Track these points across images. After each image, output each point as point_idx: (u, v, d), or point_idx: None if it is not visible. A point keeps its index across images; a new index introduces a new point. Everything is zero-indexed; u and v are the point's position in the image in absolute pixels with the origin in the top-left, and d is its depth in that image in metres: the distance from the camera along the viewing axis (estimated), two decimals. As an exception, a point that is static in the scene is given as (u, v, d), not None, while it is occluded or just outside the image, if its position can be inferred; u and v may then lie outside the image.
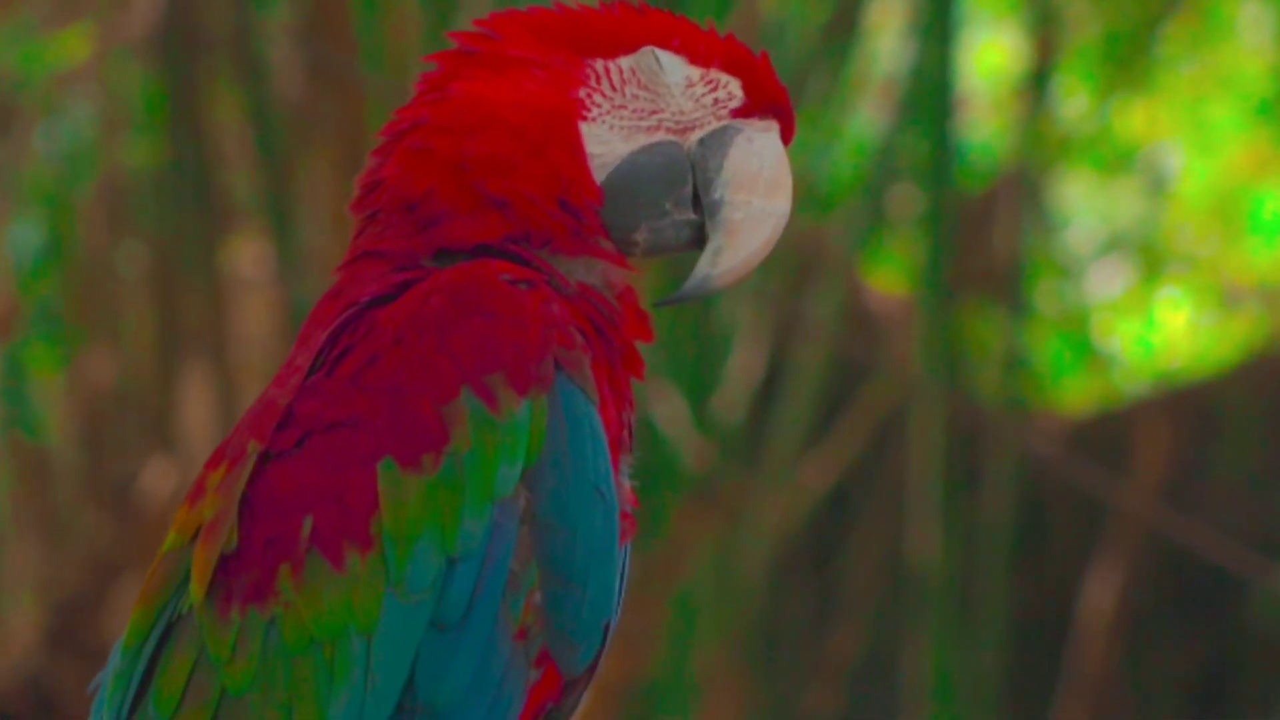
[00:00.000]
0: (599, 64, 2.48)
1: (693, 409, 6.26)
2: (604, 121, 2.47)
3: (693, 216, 2.47)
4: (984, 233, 7.27)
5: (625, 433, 2.47)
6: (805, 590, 7.28)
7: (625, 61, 2.48)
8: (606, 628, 2.39)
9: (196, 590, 2.34)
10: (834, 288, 6.70)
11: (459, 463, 2.32)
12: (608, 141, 2.47)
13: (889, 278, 7.73)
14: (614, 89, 2.47)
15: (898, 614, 6.85)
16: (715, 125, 2.48)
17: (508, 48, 2.48)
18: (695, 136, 2.48)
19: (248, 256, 6.65)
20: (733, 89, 2.48)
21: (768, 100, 2.49)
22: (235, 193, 6.51)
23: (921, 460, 6.60)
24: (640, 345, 2.46)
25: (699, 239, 2.48)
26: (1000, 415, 6.94)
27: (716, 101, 2.48)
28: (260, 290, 6.54)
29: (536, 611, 2.34)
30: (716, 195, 2.46)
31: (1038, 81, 7.25)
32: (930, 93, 6.52)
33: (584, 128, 2.46)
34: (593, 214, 2.45)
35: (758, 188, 2.46)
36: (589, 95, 2.47)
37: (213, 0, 6.35)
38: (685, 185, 2.47)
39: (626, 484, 2.46)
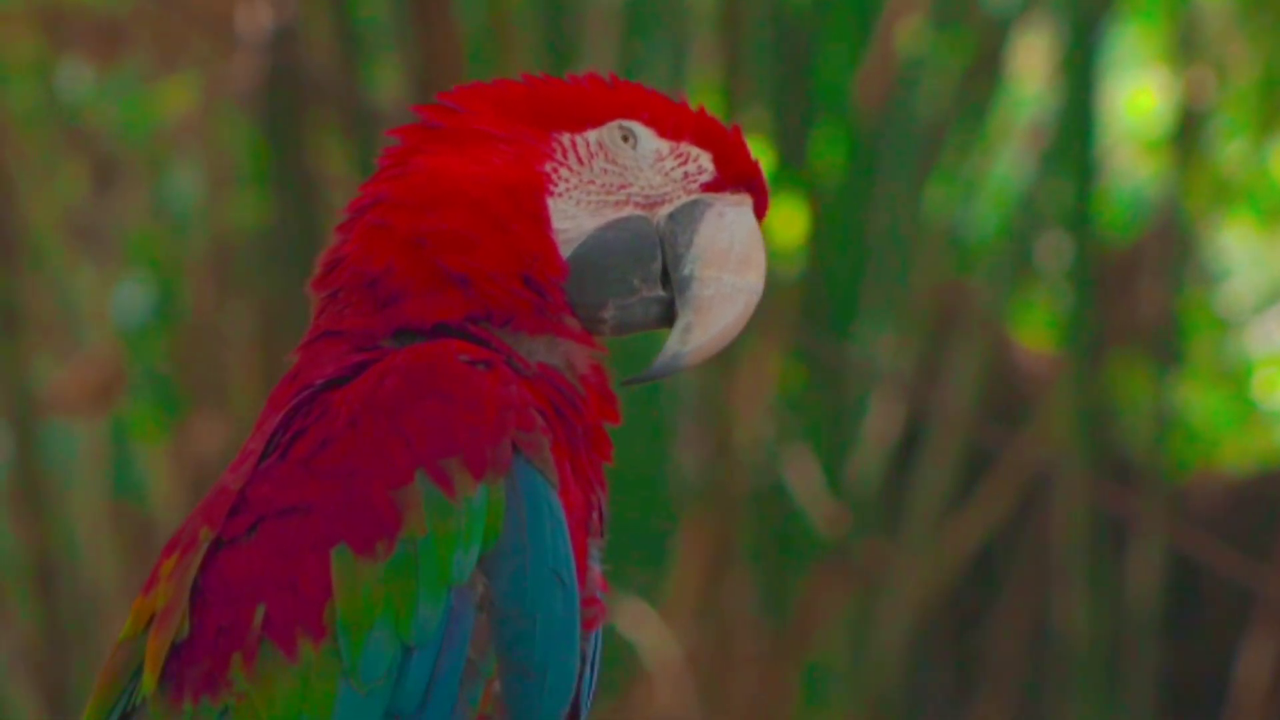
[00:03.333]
0: (565, 138, 2.44)
1: (826, 471, 6.13)
2: (570, 196, 2.42)
3: (661, 293, 2.43)
4: (1136, 284, 7.05)
5: (594, 516, 2.41)
6: (946, 660, 7.10)
7: (592, 135, 2.43)
8: (574, 717, 2.32)
9: (149, 680, 2.33)
10: (977, 343, 6.54)
11: (414, 548, 2.29)
12: (574, 217, 2.42)
13: (1035, 333, 7.51)
14: (581, 163, 2.43)
15: (1043, 685, 6.65)
16: (685, 199, 2.42)
17: (471, 121, 2.45)
18: (664, 211, 2.44)
19: (357, 318, 6.58)
20: (703, 162, 2.44)
21: (739, 174, 2.43)
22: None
23: (1068, 523, 6.40)
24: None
25: (668, 316, 2.43)
26: (1151, 475, 6.71)
27: (687, 175, 2.44)
28: (370, 352, 6.46)
29: (495, 700, 2.30)
30: (686, 271, 2.41)
31: (1192, 124, 7.01)
32: (1077, 138, 6.35)
33: (550, 203, 2.41)
34: (557, 291, 2.41)
35: (729, 263, 2.41)
36: (555, 170, 2.43)
37: (319, 49, 6.32)
38: (654, 261, 2.42)
39: (596, 569, 2.41)
